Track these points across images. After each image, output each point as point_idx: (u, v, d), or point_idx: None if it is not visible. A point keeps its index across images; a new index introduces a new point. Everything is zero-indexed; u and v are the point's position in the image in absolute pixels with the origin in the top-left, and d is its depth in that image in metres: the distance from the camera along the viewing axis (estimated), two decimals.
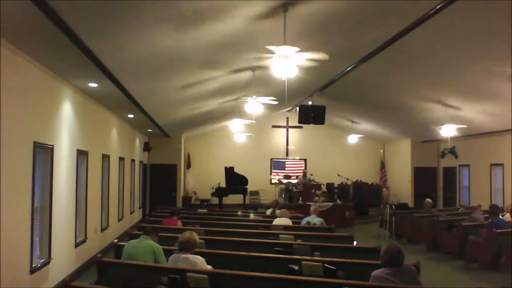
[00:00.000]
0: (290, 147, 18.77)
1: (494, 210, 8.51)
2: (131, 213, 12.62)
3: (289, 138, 18.76)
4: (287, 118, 18.30)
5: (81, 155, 7.59)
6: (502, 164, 12.38)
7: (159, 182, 15.87)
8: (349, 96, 12.20)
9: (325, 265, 4.83)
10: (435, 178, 16.75)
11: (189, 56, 6.55)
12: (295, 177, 17.45)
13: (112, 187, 9.92)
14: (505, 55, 6.51)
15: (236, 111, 11.52)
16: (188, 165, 17.42)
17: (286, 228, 7.91)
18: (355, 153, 18.19)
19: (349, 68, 8.76)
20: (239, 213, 11.20)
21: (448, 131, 11.05)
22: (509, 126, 10.88)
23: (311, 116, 11.26)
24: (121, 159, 11.02)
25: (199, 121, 13.89)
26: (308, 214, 8.80)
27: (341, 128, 17.79)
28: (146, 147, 14.85)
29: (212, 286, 4.26)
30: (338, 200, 14.11)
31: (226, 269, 4.54)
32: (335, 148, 18.43)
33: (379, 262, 4.21)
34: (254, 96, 8.59)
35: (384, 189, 17.37)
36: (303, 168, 17.98)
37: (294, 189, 15.50)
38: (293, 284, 4.27)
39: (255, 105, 8.65)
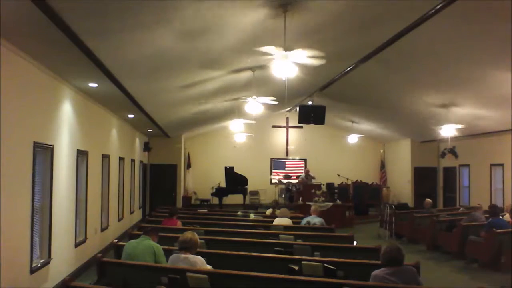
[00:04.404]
0: (290, 147, 18.77)
1: (494, 210, 8.50)
2: (131, 213, 12.62)
3: (289, 138, 18.77)
4: (287, 118, 18.30)
5: (81, 155, 7.59)
6: (502, 164, 12.39)
7: (159, 182, 15.86)
8: (349, 96, 12.20)
9: (325, 265, 4.83)
10: (435, 178, 16.75)
11: (189, 56, 6.55)
12: (295, 177, 17.45)
13: (112, 187, 9.92)
14: (505, 55, 6.51)
15: (236, 111, 11.52)
16: (188, 165, 17.42)
17: (286, 228, 7.91)
18: (355, 153, 18.18)
19: (349, 68, 8.76)
20: (239, 213, 11.20)
21: (448, 131, 11.04)
22: (509, 126, 10.89)
23: (311, 116, 11.26)
24: (121, 159, 11.02)
25: (199, 121, 13.89)
26: (308, 214, 8.80)
27: (341, 128, 17.79)
28: (146, 147, 14.85)
29: (212, 286, 4.26)
30: (338, 200, 14.11)
31: (226, 269, 4.54)
32: (335, 148, 18.43)
33: (379, 262, 4.21)
34: (254, 96, 8.59)
35: (384, 189, 17.37)
36: (303, 168, 17.98)
37: (294, 189, 15.50)
38: (293, 284, 4.27)
39: (255, 105, 8.65)
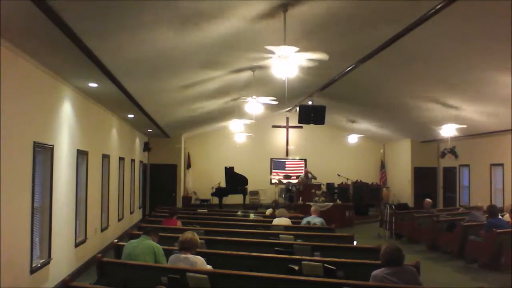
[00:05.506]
0: (290, 147, 18.77)
1: (492, 211, 8.49)
2: (131, 213, 12.62)
3: (289, 138, 18.77)
4: (287, 118, 18.30)
5: (81, 155, 7.59)
6: (502, 164, 12.38)
7: (159, 182, 15.88)
8: (349, 96, 12.20)
9: (325, 265, 4.84)
10: (435, 178, 16.75)
11: (189, 56, 6.55)
12: (295, 177, 17.45)
13: (112, 187, 9.92)
14: (505, 55, 6.51)
15: (236, 111, 11.52)
16: (188, 165, 17.43)
17: (286, 228, 7.91)
18: (355, 153, 18.19)
19: (349, 68, 8.76)
20: (239, 213, 11.21)
21: (448, 131, 11.05)
22: (509, 126, 10.88)
23: (311, 116, 11.26)
24: (121, 159, 11.02)
25: (199, 121, 13.89)
26: (308, 214, 8.81)
27: (341, 128, 17.79)
28: (146, 147, 14.85)
29: (212, 286, 4.26)
30: (338, 200, 14.11)
31: (226, 269, 4.54)
32: (335, 148, 18.43)
33: (379, 262, 4.21)
34: (254, 96, 8.59)
35: (384, 189, 17.37)
36: (303, 168, 17.98)
37: (294, 189, 15.50)
38: (293, 284, 4.27)
39: (255, 105, 8.66)
